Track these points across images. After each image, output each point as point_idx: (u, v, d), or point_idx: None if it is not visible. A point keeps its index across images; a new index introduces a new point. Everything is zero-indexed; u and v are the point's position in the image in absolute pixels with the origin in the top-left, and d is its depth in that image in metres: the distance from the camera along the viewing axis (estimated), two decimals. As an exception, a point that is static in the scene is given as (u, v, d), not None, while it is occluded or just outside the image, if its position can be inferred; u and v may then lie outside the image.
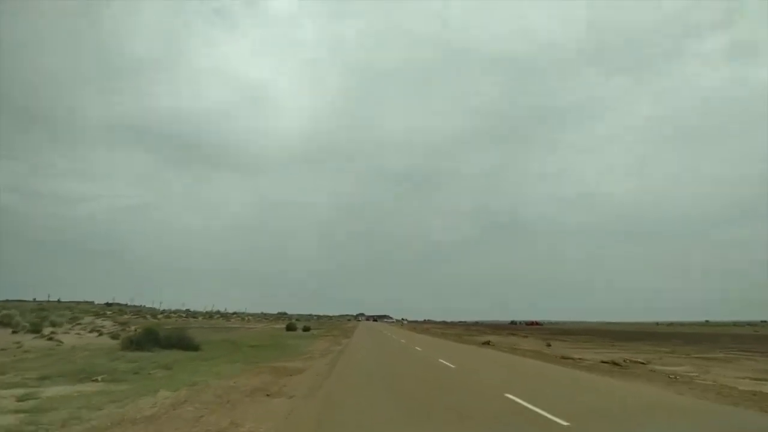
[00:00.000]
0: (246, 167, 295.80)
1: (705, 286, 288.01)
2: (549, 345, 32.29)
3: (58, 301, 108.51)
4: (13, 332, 26.24)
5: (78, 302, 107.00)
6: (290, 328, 52.10)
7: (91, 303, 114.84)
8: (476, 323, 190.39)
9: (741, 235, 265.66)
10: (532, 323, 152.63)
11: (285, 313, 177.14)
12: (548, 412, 7.72)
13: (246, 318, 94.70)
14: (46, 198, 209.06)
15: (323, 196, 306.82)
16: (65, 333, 28.60)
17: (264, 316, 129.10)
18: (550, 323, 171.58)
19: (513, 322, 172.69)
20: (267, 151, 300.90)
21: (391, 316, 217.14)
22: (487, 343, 33.90)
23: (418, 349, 26.38)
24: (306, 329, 50.67)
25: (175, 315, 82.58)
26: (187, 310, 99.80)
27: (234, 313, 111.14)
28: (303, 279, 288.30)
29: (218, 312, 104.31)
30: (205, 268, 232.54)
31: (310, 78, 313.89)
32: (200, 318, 77.58)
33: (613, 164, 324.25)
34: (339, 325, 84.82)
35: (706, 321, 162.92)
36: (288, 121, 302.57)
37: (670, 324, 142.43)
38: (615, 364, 17.99)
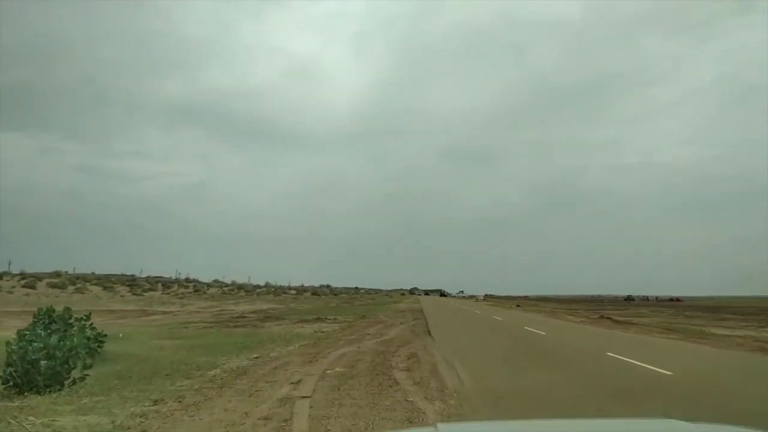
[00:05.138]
0: (295, 143, 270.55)
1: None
2: None
3: (93, 273, 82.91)
4: None
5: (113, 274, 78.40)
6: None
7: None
8: (543, 298, 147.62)
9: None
10: (672, 300, 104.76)
11: (329, 285, 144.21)
12: None
13: (182, 293, 52.83)
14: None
15: (373, 172, 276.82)
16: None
17: (300, 288, 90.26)
18: (689, 299, 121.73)
19: (629, 298, 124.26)
20: (315, 127, 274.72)
21: (445, 291, 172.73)
22: None
23: None
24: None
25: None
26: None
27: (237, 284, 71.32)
28: (351, 253, 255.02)
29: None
30: (251, 241, 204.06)
31: (359, 53, 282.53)
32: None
33: (675, 131, 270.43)
34: (381, 308, 42.70)
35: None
36: (336, 97, 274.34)
37: None
38: None
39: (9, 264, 45.46)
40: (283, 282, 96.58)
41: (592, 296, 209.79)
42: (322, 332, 17.33)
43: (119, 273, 79.15)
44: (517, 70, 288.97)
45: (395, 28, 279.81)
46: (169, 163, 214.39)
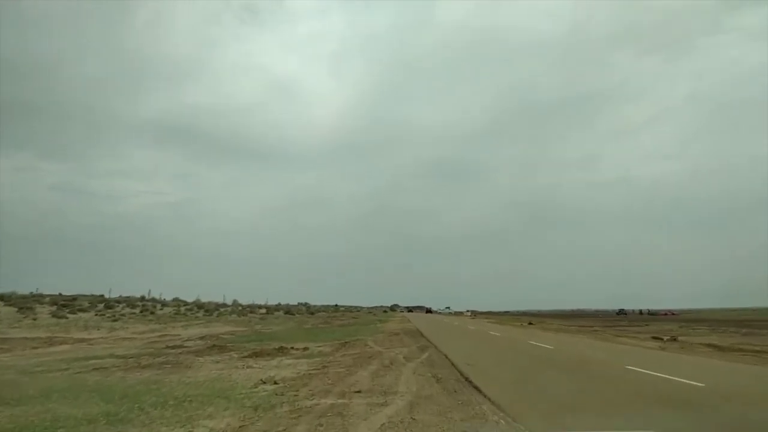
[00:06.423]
0: (276, 160, 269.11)
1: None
2: None
3: (59, 294, 71.06)
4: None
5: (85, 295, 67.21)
6: None
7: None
8: (524, 313, 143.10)
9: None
10: (667, 313, 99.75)
11: (306, 303, 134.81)
12: None
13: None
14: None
15: (353, 188, 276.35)
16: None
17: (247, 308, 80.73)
18: (682, 312, 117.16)
19: (622, 311, 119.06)
20: (297, 144, 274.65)
21: (427, 306, 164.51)
22: None
23: None
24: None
25: None
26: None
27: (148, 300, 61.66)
28: (330, 270, 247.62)
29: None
30: (230, 260, 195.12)
31: (339, 71, 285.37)
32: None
33: (652, 147, 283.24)
34: (367, 329, 35.15)
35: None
36: (317, 114, 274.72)
37: None
38: None
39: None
40: (260, 300, 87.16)
41: (572, 311, 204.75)
42: (276, 383, 9.59)
43: (89, 294, 69.05)
44: (498, 89, 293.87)
45: (376, 45, 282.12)
46: (149, 181, 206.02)
